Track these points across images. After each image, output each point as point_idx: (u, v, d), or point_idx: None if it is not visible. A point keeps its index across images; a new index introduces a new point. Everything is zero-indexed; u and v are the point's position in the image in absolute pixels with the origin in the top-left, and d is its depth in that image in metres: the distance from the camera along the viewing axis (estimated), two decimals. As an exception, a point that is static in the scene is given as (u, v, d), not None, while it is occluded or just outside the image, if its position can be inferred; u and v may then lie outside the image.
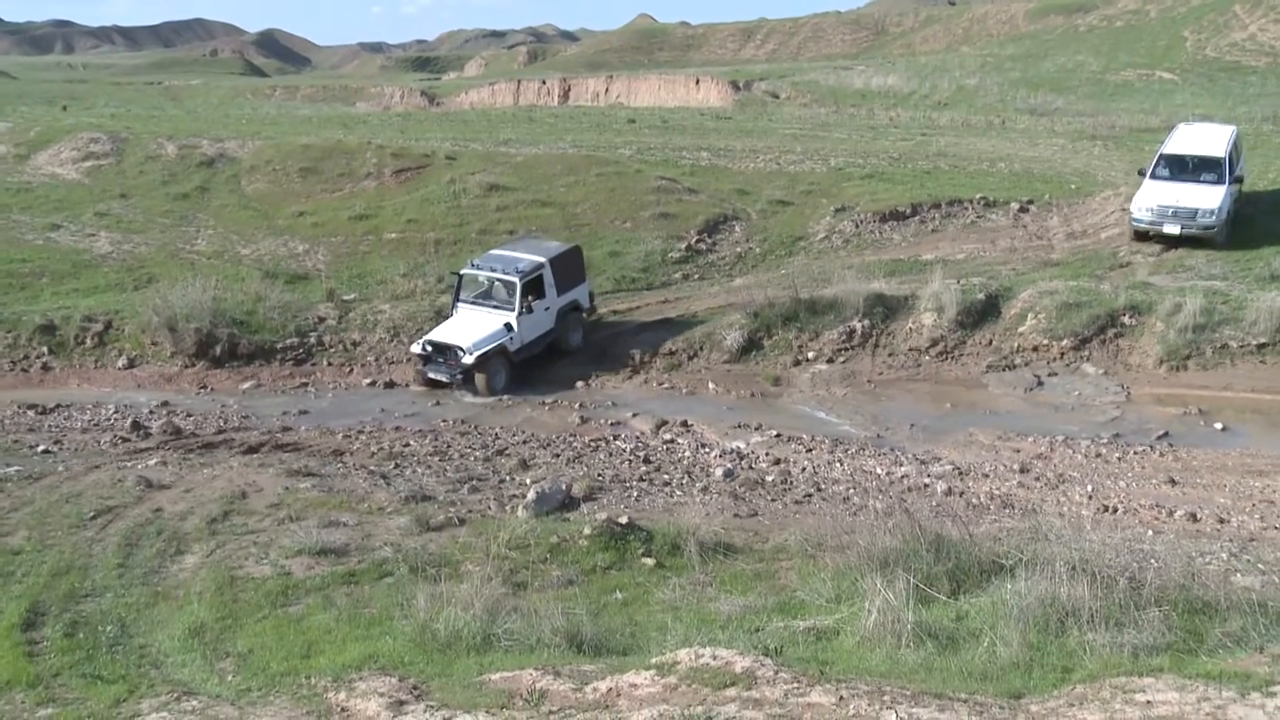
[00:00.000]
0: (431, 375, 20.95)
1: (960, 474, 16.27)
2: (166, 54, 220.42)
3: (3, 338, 22.19)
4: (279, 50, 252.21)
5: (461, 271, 22.15)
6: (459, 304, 21.81)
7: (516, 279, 21.28)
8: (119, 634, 9.65)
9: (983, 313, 22.01)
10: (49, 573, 11.14)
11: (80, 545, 12.07)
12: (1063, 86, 56.52)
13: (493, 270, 21.71)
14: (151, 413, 19.50)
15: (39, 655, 9.15)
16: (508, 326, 21.12)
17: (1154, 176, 25.43)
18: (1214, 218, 24.14)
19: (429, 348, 20.93)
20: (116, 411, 19.61)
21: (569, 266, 22.36)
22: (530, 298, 21.29)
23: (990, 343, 21.55)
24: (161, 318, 22.21)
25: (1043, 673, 7.72)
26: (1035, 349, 21.17)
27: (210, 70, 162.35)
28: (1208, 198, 24.38)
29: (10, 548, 11.93)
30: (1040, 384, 20.30)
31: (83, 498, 13.79)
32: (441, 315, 22.40)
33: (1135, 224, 25.04)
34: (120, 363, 22.13)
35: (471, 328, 21.03)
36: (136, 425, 18.27)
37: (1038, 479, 15.92)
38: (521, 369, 21.41)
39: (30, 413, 19.37)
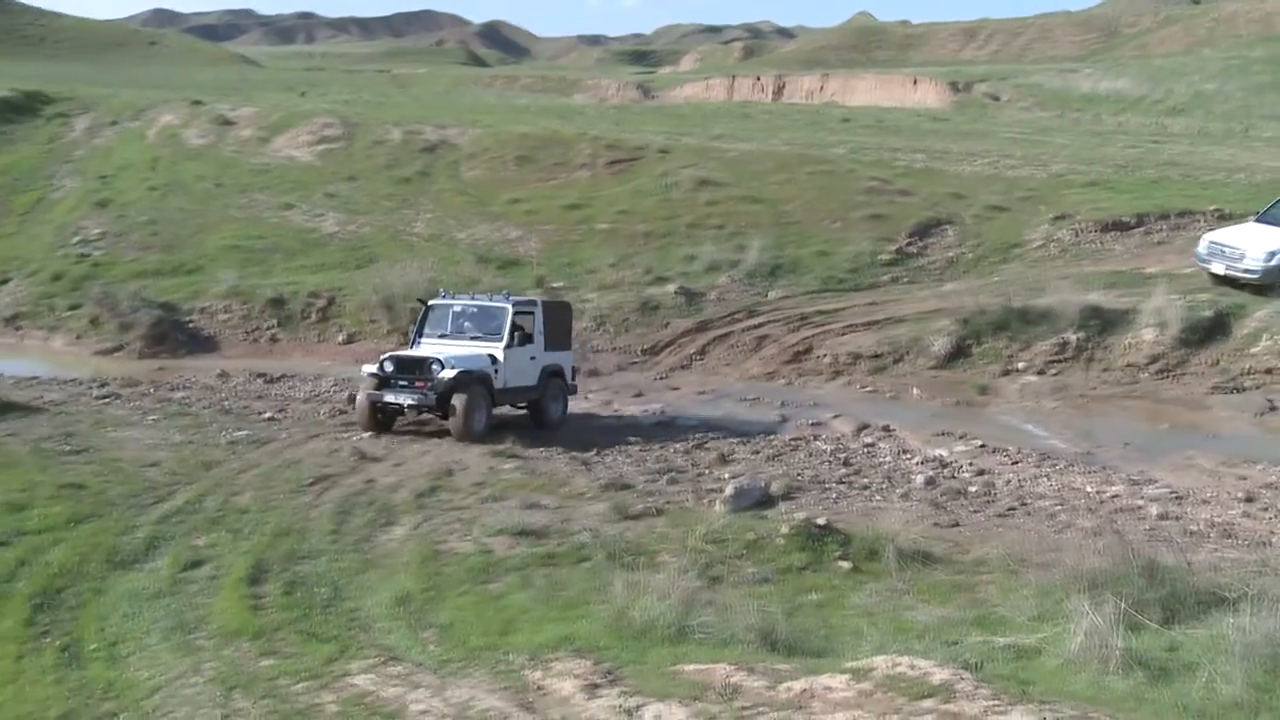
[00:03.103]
0: (390, 400, 16.88)
1: (1177, 498, 15.47)
2: (396, 44, 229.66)
3: (238, 309, 23.60)
4: (501, 41, 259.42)
5: (431, 302, 18.72)
6: (422, 339, 18.20)
7: (508, 305, 18.03)
8: (332, 596, 10.10)
9: (1210, 331, 20.87)
10: (271, 533, 11.75)
11: (299, 509, 12.70)
12: (1317, 93, 53.06)
13: (474, 299, 18.57)
14: (368, 387, 20.33)
15: (261, 609, 9.66)
16: (492, 359, 17.51)
17: (1260, 218, 23.40)
18: (1259, 263, 21.96)
19: (390, 366, 17.10)
20: (335, 384, 20.58)
21: (558, 322, 19.10)
22: (519, 334, 17.96)
23: (1217, 363, 20.41)
24: (380, 296, 23.21)
25: (1271, 717, 7.25)
26: (1269, 371, 19.91)
27: (436, 59, 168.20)
28: (1268, 243, 22.18)
29: (239, 506, 12.67)
30: (1273, 409, 19.09)
31: (302, 465, 14.51)
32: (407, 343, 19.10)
33: (1195, 257, 23.36)
34: (340, 338, 23.23)
35: (447, 350, 17.46)
36: (353, 399, 19.10)
37: (1266, 509, 14.96)
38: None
39: (259, 380, 20.55)
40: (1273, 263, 22.05)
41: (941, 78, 72.87)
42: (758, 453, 16.93)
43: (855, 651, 8.48)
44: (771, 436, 17.96)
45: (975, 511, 14.47)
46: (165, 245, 26.89)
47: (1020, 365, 21.13)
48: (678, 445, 17.14)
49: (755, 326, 23.15)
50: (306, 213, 29.03)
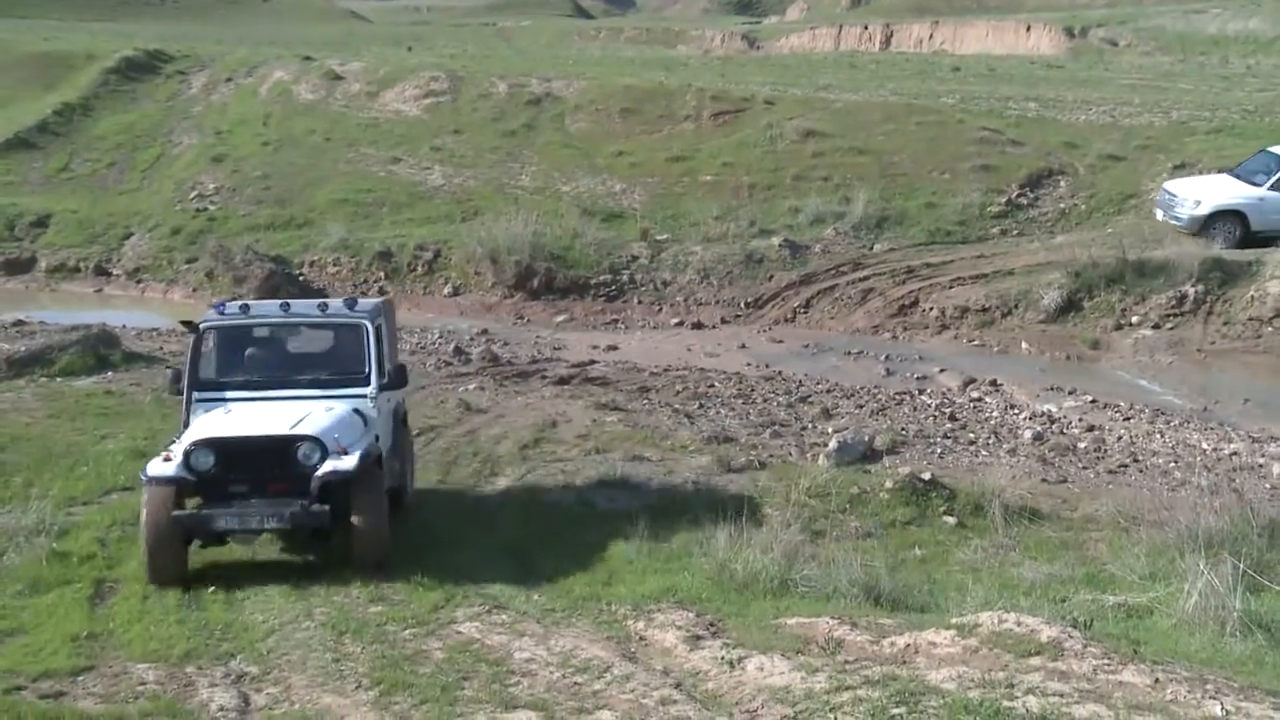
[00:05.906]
0: (223, 528, 9.35)
1: (1301, 457, 14.99)
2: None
3: (347, 261, 23.98)
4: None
5: (202, 322, 10.43)
6: (224, 395, 10.17)
7: (366, 321, 10.44)
8: (438, 545, 10.29)
9: (1343, 283, 20.06)
10: (381, 481, 11.98)
11: (407, 458, 12.93)
12: None
13: (291, 314, 10.73)
14: (472, 340, 20.57)
15: (370, 556, 9.87)
16: (363, 418, 10.16)
17: (1234, 171, 22.94)
18: (1186, 212, 21.92)
19: (208, 461, 9.29)
20: (441, 336, 20.82)
21: (393, 335, 11.82)
22: (391, 369, 10.77)
23: (1348, 317, 19.63)
24: (485, 249, 23.38)
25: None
26: (1402, 326, 19.11)
27: (540, 12, 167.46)
28: (1204, 192, 22.10)
29: (350, 456, 12.92)
30: (1405, 365, 18.37)
31: (410, 415, 14.73)
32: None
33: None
34: (446, 290, 23.48)
35: (301, 414, 9.76)
36: (458, 351, 19.34)
37: (1396, 470, 14.45)
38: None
39: (367, 333, 20.86)
40: (1198, 212, 21.95)
41: (1056, 23, 70.48)
42: (862, 407, 16.79)
43: (960, 607, 8.41)
44: (876, 390, 17.78)
45: (1085, 468, 14.22)
46: (277, 199, 27.40)
47: (1134, 319, 20.56)
48: (781, 399, 17.06)
49: (860, 279, 22.85)
50: (413, 166, 29.31)
